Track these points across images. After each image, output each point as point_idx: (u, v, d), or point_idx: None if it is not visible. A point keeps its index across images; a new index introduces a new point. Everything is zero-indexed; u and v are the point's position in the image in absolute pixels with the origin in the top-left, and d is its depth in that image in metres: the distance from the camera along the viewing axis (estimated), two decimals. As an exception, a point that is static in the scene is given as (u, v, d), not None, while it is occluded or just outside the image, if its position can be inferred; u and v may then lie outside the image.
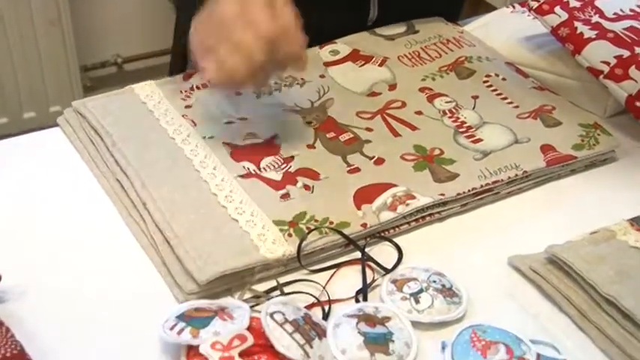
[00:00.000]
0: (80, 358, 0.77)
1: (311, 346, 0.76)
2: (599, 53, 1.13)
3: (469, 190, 0.98)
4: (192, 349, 0.76)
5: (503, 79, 1.20)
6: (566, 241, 0.89)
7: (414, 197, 0.96)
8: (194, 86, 1.14)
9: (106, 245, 0.91)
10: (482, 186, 0.99)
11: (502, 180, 1.00)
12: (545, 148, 1.05)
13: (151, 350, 0.78)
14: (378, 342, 0.78)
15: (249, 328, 0.77)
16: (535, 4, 1.21)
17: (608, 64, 1.11)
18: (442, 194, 0.97)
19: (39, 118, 2.45)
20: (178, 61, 1.37)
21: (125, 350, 0.78)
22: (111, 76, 2.79)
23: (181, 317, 0.78)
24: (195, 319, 0.78)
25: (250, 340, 0.76)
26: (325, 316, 0.83)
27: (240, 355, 0.75)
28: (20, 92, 2.38)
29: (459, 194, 0.98)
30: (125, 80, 1.12)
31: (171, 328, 0.77)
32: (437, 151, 1.04)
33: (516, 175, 1.01)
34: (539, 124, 1.10)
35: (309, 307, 0.84)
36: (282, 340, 0.76)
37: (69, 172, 1.02)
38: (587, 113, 1.15)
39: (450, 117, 1.11)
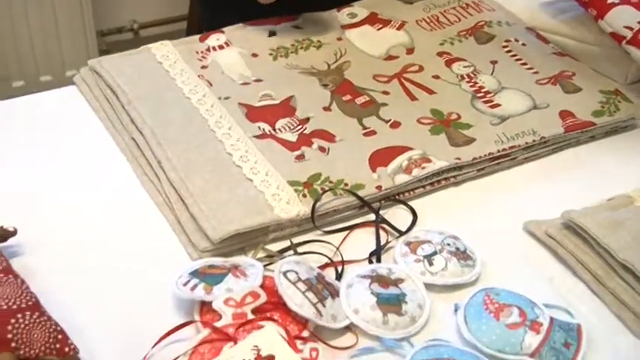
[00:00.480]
0: (94, 313, 0.77)
1: (324, 305, 0.76)
2: (623, 18, 1.10)
3: (485, 155, 0.98)
4: (205, 305, 0.76)
5: (523, 44, 1.18)
6: (583, 207, 0.88)
7: (429, 161, 0.95)
8: (210, 47, 1.13)
9: (121, 203, 0.91)
10: (499, 151, 0.98)
11: (519, 145, 0.99)
12: (564, 114, 1.04)
13: (165, 306, 0.78)
14: (391, 302, 0.78)
15: (262, 287, 0.77)
16: (557, -31, 1.19)
17: (631, 29, 1.09)
18: (458, 158, 0.96)
19: (55, 81, 2.45)
20: (194, 28, 1.36)
21: (138, 306, 0.78)
22: (127, 42, 2.77)
23: (195, 274, 0.79)
24: (208, 276, 0.78)
25: (263, 297, 0.76)
26: (338, 277, 0.83)
27: (253, 311, 0.75)
28: (37, 56, 2.38)
29: (475, 159, 0.97)
30: (141, 46, 1.11)
31: (185, 284, 0.77)
32: (454, 116, 1.03)
33: (534, 140, 1.00)
34: (558, 90, 1.09)
35: (323, 267, 0.84)
36: (294, 298, 0.76)
37: (84, 130, 1.02)
38: (608, 80, 1.14)
39: (468, 82, 1.10)
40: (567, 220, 0.86)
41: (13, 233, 0.82)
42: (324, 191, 0.90)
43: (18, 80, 2.40)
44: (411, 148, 0.97)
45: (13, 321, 0.70)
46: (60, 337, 0.72)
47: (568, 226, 0.86)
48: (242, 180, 0.91)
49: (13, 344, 0.69)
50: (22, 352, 0.69)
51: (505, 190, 0.97)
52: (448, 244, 0.85)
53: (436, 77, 1.11)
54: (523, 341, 0.74)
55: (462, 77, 1.11)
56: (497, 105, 1.05)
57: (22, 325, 0.70)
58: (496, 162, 0.99)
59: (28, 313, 0.71)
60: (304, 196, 0.89)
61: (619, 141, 1.06)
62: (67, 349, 0.71)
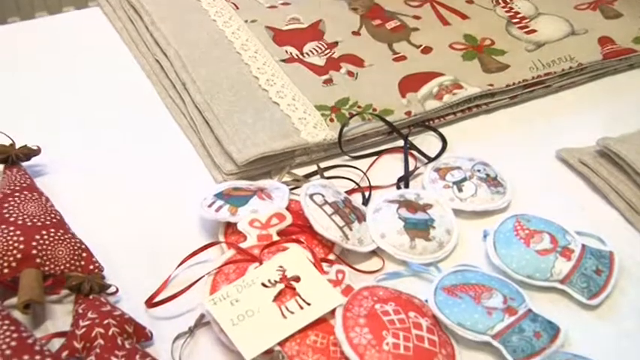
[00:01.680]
0: (118, 233, 0.77)
1: (350, 229, 0.75)
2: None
3: (519, 82, 0.94)
4: (230, 227, 0.76)
5: (562, -32, 1.13)
6: (621, 135, 0.85)
7: (461, 87, 0.92)
8: (236, -31, 1.10)
9: (145, 126, 0.90)
10: (533, 78, 0.95)
11: (555, 72, 0.96)
12: (604, 41, 1.00)
13: (189, 228, 0.77)
14: (419, 227, 0.77)
15: (287, 209, 0.76)
16: None
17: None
18: (491, 85, 0.93)
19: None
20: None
21: (163, 227, 0.78)
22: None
23: (220, 195, 0.78)
24: (233, 198, 0.77)
25: (289, 219, 0.75)
26: (365, 202, 0.82)
27: (278, 233, 0.74)
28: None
29: (508, 85, 0.94)
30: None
31: (210, 206, 0.76)
32: (487, 41, 1.00)
33: (570, 67, 0.96)
34: (598, 16, 1.04)
35: (349, 192, 0.82)
36: (321, 221, 0.74)
37: (108, 52, 1.00)
38: (651, 6, 1.09)
39: (503, 7, 1.06)
40: (603, 147, 0.83)
41: (37, 152, 0.81)
42: (352, 116, 0.87)
43: (41, 11, 2.38)
44: (442, 74, 0.94)
45: (37, 237, 0.70)
46: (84, 254, 0.72)
47: (603, 154, 0.84)
48: (268, 103, 0.89)
49: (37, 260, 0.69)
50: (46, 268, 0.69)
51: (538, 118, 0.95)
52: (478, 171, 0.83)
53: (470, 2, 1.07)
54: (553, 267, 0.73)
55: (497, 2, 1.07)
56: (533, 31, 1.02)
57: (47, 242, 0.70)
58: (530, 89, 0.96)
59: (52, 230, 0.71)
60: (331, 120, 0.87)
61: (659, 69, 1.02)
62: (91, 267, 0.71)
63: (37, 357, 0.60)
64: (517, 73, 0.95)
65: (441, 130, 0.91)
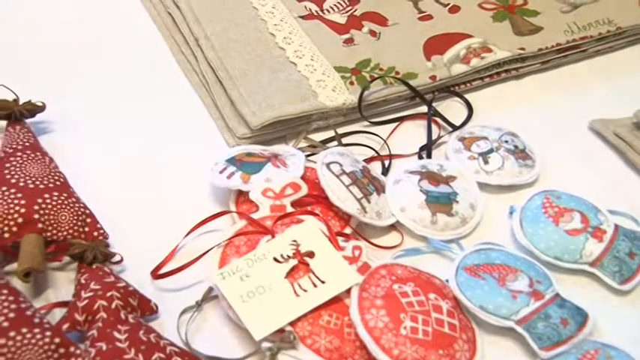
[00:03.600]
0: (125, 197, 0.73)
1: (368, 201, 0.71)
2: None
3: (552, 46, 0.89)
4: (241, 195, 0.72)
5: None
6: (660, 106, 0.80)
7: (490, 50, 0.87)
8: None
9: (155, 84, 0.85)
10: (567, 42, 0.89)
11: (591, 36, 0.90)
12: (645, 3, 0.94)
13: (199, 194, 0.74)
14: (441, 201, 0.73)
15: (303, 178, 0.72)
16: None
17: None
18: (522, 48, 0.88)
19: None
20: None
21: (172, 193, 0.74)
22: None
23: (232, 161, 0.73)
24: (246, 164, 0.73)
25: (304, 190, 0.71)
26: (385, 171, 0.78)
27: (293, 204, 0.70)
28: None
29: (540, 49, 0.88)
30: None
31: (221, 172, 0.72)
32: (520, 1, 0.94)
33: (608, 31, 0.91)
34: (639, -24, 0.98)
35: (368, 160, 0.78)
36: (338, 192, 0.70)
37: (116, 2, 0.95)
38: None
39: (537, -36, 0.99)
40: (641, 119, 0.78)
41: (42, 108, 0.77)
42: (374, 79, 0.83)
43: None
44: (470, 36, 0.89)
45: (40, 201, 0.66)
46: (89, 220, 0.68)
47: (641, 127, 0.79)
48: (285, 63, 0.84)
49: (39, 225, 0.65)
50: (48, 233, 0.66)
51: (571, 85, 0.89)
52: (506, 142, 0.79)
53: (502, -42, 1.00)
54: (584, 249, 0.69)
55: (531, -41, 1.00)
56: (570, -9, 0.95)
57: (50, 206, 0.66)
58: (564, 54, 0.91)
59: (55, 193, 0.68)
60: (352, 83, 0.83)
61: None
62: (96, 234, 0.68)
63: (36, 330, 0.57)
64: (551, 36, 0.90)
65: (467, 95, 0.86)
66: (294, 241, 0.65)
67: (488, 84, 0.88)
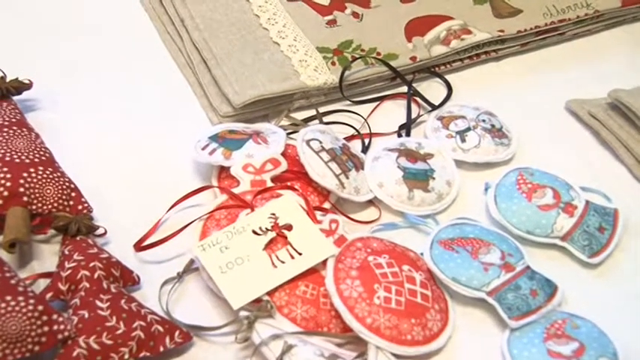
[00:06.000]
0: (109, 173, 0.75)
1: (347, 177, 0.73)
2: None
3: (531, 28, 0.90)
4: (223, 171, 0.73)
5: None
6: (634, 87, 0.82)
7: (470, 32, 0.89)
8: None
9: (141, 63, 0.87)
10: (546, 24, 0.91)
11: (570, 19, 0.92)
12: (623, -13, 0.95)
13: (182, 170, 0.75)
14: (418, 178, 0.74)
15: (283, 155, 0.74)
16: None
17: None
18: (501, 30, 0.89)
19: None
20: None
21: (155, 169, 0.76)
22: None
23: (214, 138, 0.75)
24: (228, 141, 0.75)
25: (284, 165, 0.73)
26: (365, 149, 0.79)
27: (273, 180, 0.72)
28: None
29: (519, 32, 0.90)
30: None
31: (204, 148, 0.74)
32: (500, -16, 0.95)
33: (586, 14, 0.92)
34: (618, -41, 0.99)
35: (349, 138, 0.80)
36: (317, 168, 0.72)
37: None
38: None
39: (518, -52, 1.01)
40: (614, 99, 0.80)
41: (29, 86, 0.78)
42: (355, 59, 0.84)
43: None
44: (450, 18, 0.90)
45: (25, 175, 0.68)
46: (73, 194, 0.70)
47: (614, 107, 0.80)
48: (268, 44, 0.85)
49: (25, 198, 0.67)
50: (34, 206, 0.67)
51: (549, 67, 0.91)
52: (483, 121, 0.80)
53: (484, -59, 1.01)
54: (555, 223, 0.70)
55: (513, -58, 1.01)
56: (549, -26, 0.97)
57: (35, 180, 0.68)
58: (542, 37, 0.92)
59: (41, 168, 0.69)
60: (333, 63, 0.84)
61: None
62: (80, 207, 0.70)
63: (20, 298, 0.58)
64: (530, 19, 0.91)
65: (447, 76, 0.88)
66: (273, 214, 0.67)
67: (468, 65, 0.90)
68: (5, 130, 0.72)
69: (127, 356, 0.59)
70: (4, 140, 0.71)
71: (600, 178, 0.77)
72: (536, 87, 0.88)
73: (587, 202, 0.72)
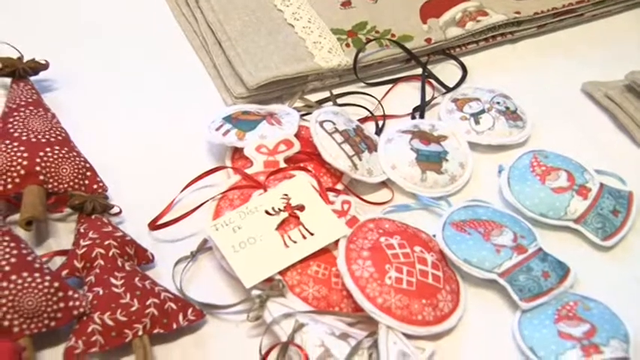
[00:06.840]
0: (124, 153, 0.75)
1: (360, 159, 0.73)
2: None
3: (549, 10, 0.90)
4: (237, 151, 0.74)
5: None
6: (653, 69, 0.81)
7: (486, 14, 0.88)
8: None
9: (157, 44, 0.87)
10: (564, 6, 0.90)
11: (588, 0, 0.91)
12: (643, -34, 0.94)
13: (196, 150, 0.76)
14: (431, 160, 0.74)
15: (297, 136, 0.74)
16: None
17: None
18: (518, 12, 0.89)
19: None
20: None
21: (170, 149, 0.76)
22: None
23: (228, 119, 0.75)
24: (242, 122, 0.75)
25: (297, 147, 0.73)
26: (378, 131, 0.79)
27: (286, 160, 0.72)
28: None
29: (536, 13, 0.89)
30: None
31: (218, 129, 0.74)
32: (517, -35, 0.95)
33: (605, -6, 0.92)
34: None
35: (362, 120, 0.80)
36: (330, 149, 0.72)
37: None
38: None
39: None
40: (631, 81, 0.79)
41: (45, 66, 0.79)
42: (369, 41, 0.84)
43: None
44: (466, -1, 0.90)
45: (41, 154, 0.68)
46: (89, 173, 0.71)
47: (631, 89, 0.80)
48: (283, 25, 0.85)
49: (41, 177, 0.68)
50: (50, 185, 0.68)
51: (566, 49, 0.90)
52: (498, 103, 0.80)
53: None
54: (568, 206, 0.70)
55: None
56: (567, -45, 0.95)
57: (51, 159, 0.69)
58: (559, 18, 0.91)
59: (57, 147, 0.70)
60: (347, 45, 0.84)
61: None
62: (95, 187, 0.70)
63: (37, 274, 0.59)
64: (547, 0, 0.90)
65: (462, 58, 0.87)
66: (286, 194, 0.68)
67: (484, 47, 0.89)
68: (22, 109, 0.73)
69: (140, 332, 0.60)
70: (21, 120, 0.72)
71: (615, 160, 0.77)
72: (552, 69, 0.88)
73: (602, 184, 0.72)
